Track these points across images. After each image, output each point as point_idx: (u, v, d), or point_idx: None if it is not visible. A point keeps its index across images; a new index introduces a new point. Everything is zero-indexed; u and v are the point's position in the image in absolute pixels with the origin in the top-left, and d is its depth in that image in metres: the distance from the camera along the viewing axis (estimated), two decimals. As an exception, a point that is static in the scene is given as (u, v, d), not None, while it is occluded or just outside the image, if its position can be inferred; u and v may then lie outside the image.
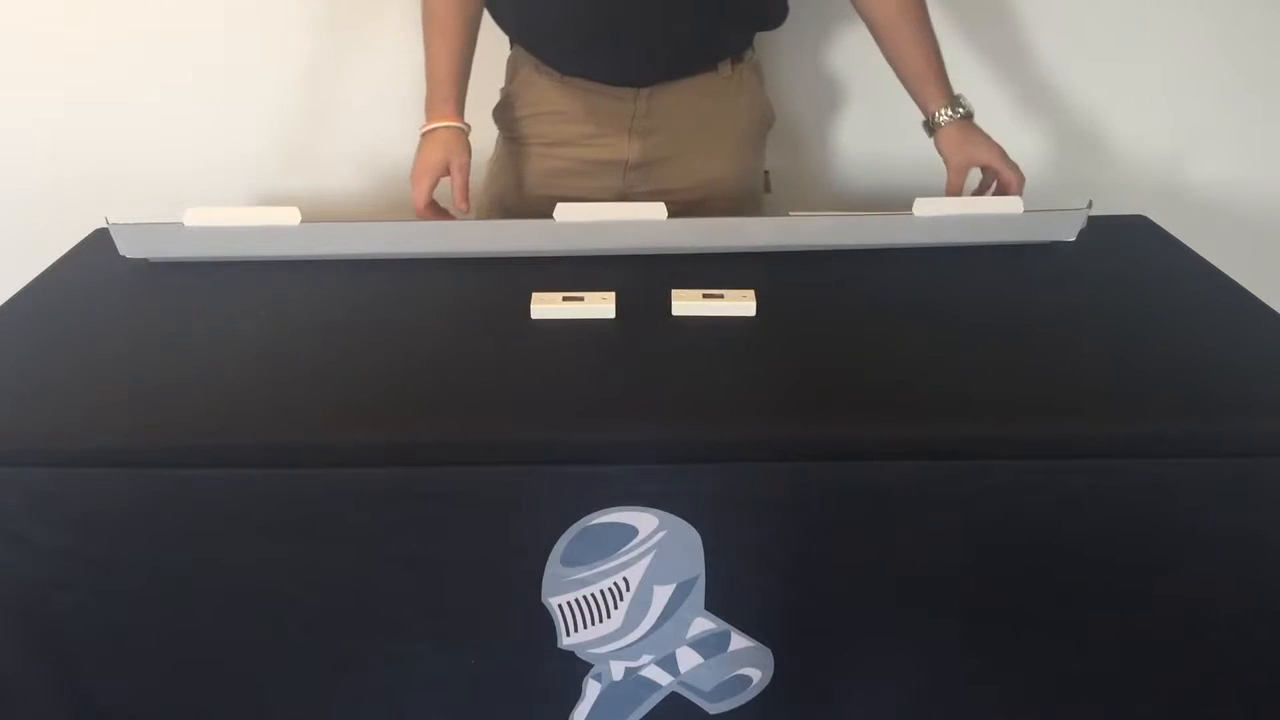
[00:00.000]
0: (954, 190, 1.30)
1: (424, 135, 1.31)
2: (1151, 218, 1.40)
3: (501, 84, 1.44)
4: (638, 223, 1.23)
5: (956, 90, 1.32)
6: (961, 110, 1.30)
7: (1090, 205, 1.27)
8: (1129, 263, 1.26)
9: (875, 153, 1.73)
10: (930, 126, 1.32)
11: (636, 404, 0.96)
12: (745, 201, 1.44)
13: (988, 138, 1.30)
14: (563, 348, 1.06)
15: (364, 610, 0.95)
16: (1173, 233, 1.35)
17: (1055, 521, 0.93)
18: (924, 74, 1.32)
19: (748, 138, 1.43)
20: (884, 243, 1.26)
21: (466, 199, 1.29)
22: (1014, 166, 1.29)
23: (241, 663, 0.97)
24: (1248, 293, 1.17)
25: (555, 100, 1.37)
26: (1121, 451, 0.92)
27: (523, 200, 1.42)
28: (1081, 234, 1.28)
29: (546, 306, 1.11)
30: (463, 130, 1.31)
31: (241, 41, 1.62)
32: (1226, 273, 1.22)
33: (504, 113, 1.43)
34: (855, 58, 1.66)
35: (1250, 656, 0.99)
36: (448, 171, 1.29)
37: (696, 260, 1.22)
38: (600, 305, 1.11)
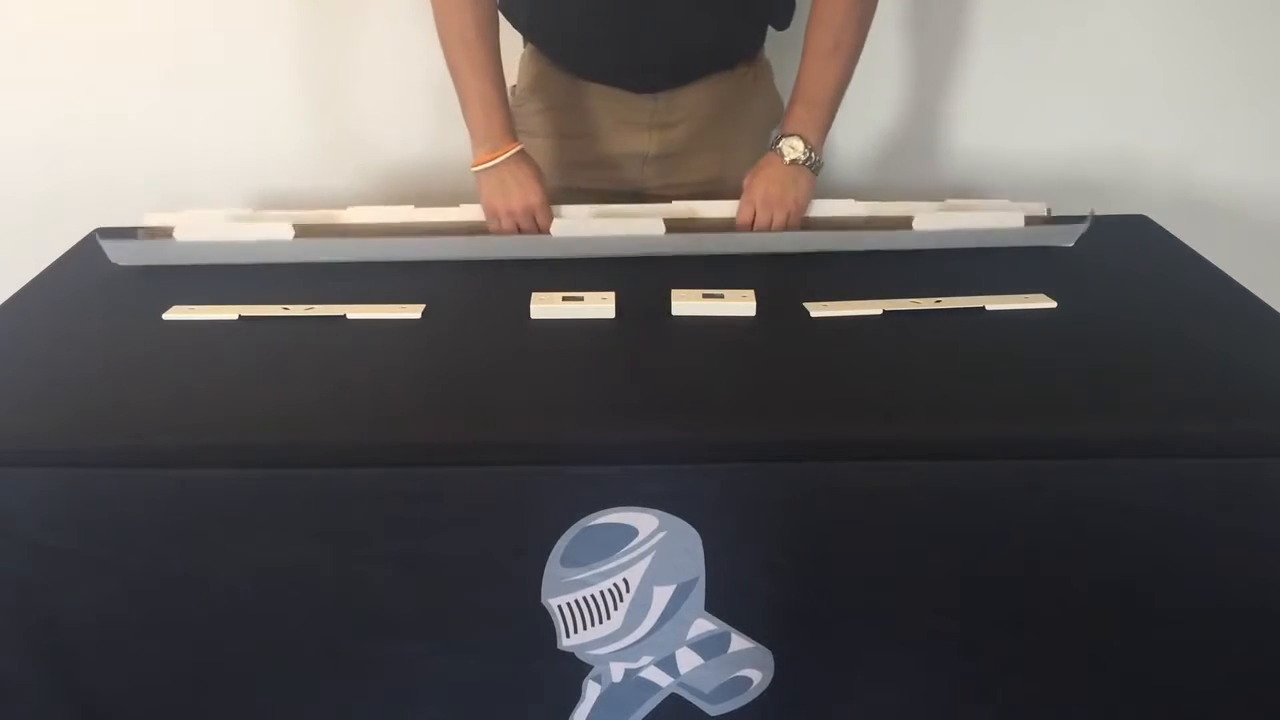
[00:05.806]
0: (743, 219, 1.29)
1: (488, 171, 1.25)
2: (1151, 218, 1.40)
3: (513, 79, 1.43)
4: (637, 236, 1.22)
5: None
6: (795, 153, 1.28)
7: (1091, 214, 1.26)
8: (1129, 262, 1.26)
9: (870, 147, 1.73)
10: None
11: (636, 404, 0.96)
12: None
13: (776, 183, 1.28)
14: (563, 348, 1.06)
15: (364, 611, 0.95)
16: (1173, 233, 1.36)
17: (1055, 522, 0.93)
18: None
19: (761, 132, 1.44)
20: (883, 247, 1.26)
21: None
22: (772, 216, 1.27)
23: (241, 663, 0.97)
24: (1248, 292, 1.17)
25: (572, 97, 1.38)
26: (1122, 451, 0.92)
27: None
28: (1081, 233, 1.28)
29: (546, 306, 1.10)
30: (528, 157, 1.27)
31: (240, 42, 1.62)
32: (1227, 273, 1.22)
33: (518, 106, 1.42)
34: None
35: (1252, 657, 0.98)
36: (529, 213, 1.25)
37: (696, 260, 1.22)
38: (600, 305, 1.11)
